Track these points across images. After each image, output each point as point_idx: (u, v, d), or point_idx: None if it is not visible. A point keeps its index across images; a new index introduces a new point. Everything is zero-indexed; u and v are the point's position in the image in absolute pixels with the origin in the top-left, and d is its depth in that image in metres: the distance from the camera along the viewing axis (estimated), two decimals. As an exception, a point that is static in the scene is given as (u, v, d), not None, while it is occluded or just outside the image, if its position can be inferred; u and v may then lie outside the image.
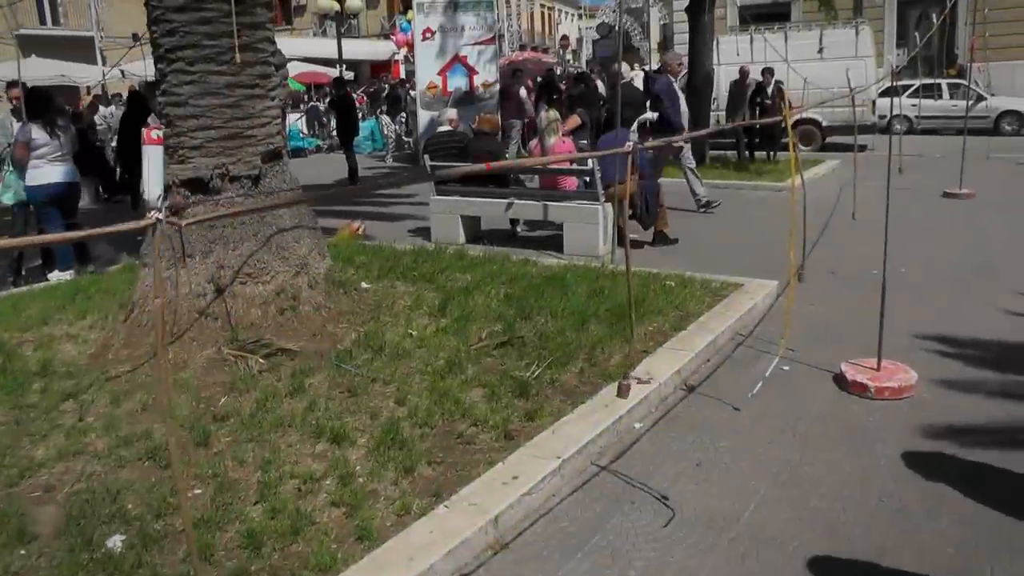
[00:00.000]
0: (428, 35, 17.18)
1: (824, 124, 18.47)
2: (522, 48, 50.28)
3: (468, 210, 9.40)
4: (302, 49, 30.14)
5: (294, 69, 31.51)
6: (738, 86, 16.41)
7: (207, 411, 4.42)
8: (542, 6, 59.77)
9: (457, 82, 17.08)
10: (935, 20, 24.30)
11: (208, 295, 5.21)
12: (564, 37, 47.22)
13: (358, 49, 34.12)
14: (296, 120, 23.51)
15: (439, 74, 17.26)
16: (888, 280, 5.15)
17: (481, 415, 4.34)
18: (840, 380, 5.12)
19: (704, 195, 11.13)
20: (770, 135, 15.84)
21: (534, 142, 9.10)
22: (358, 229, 9.53)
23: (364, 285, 6.36)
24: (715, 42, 19.12)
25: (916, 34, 25.87)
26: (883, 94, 22.60)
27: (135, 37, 37.01)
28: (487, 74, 17.28)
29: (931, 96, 21.92)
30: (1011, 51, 22.89)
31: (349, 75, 28.39)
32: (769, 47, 18.61)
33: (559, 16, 63.16)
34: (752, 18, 21.45)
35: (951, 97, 21.54)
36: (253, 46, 5.36)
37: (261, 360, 4.86)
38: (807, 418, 4.68)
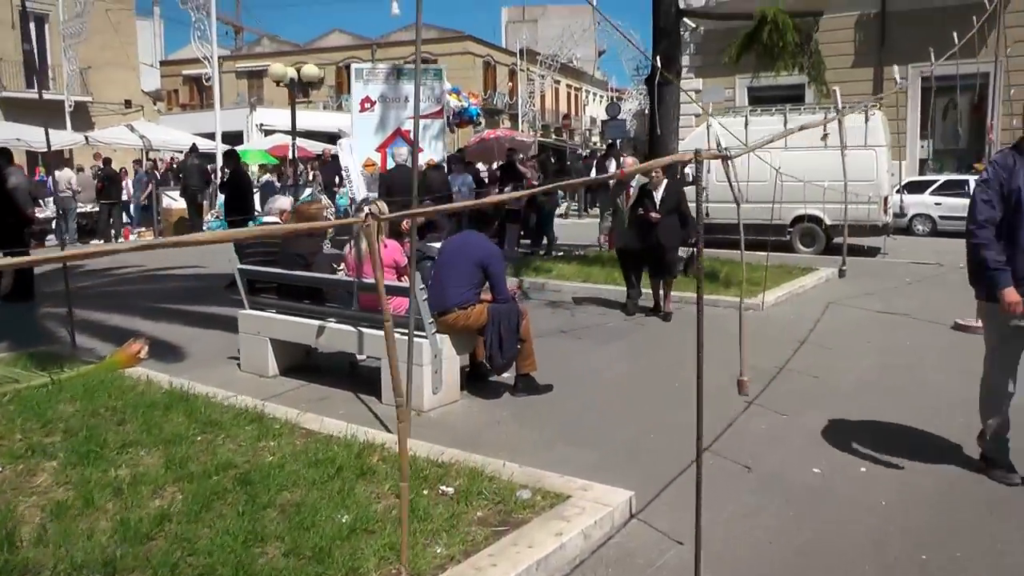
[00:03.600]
0: (367, 106, 15.02)
1: (828, 223, 15.81)
2: (544, 128, 48.73)
3: (279, 332, 6.91)
4: (306, 122, 28.57)
5: (270, 142, 29.93)
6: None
7: None
8: (568, 86, 58.44)
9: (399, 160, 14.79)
10: (960, 109, 21.84)
11: None
12: (565, 116, 45.44)
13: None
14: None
15: (378, 150, 15.03)
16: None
17: None
18: None
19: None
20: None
21: (348, 247, 6.65)
22: (139, 352, 7.04)
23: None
24: (706, 124, 16.85)
25: (942, 124, 23.36)
26: (903, 190, 20.22)
27: (127, 103, 36.27)
28: (433, 152, 15.01)
29: (957, 194, 19.30)
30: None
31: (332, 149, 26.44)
32: (768, 132, 16.23)
33: (586, 97, 61.82)
34: (763, 100, 19.18)
35: (980, 195, 18.80)
36: None
37: None
38: None
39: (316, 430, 5.16)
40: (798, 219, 15.88)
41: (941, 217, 19.66)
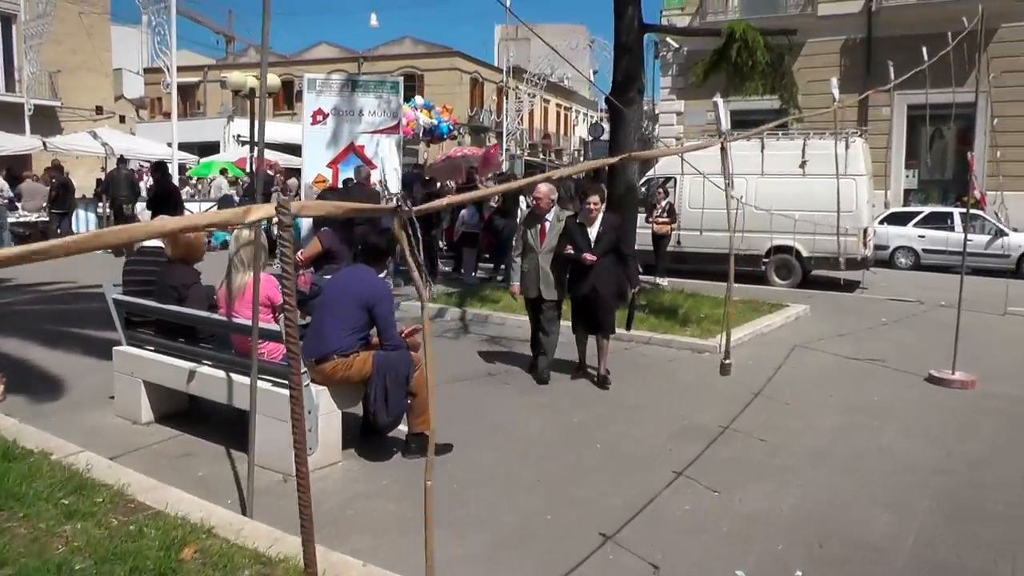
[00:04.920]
0: (319, 118, 14.16)
1: (804, 254, 15.00)
2: (532, 148, 48.00)
3: (153, 374, 6.04)
4: (286, 135, 27.53)
5: (237, 154, 29.03)
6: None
7: None
8: (558, 106, 57.76)
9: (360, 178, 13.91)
10: (947, 139, 21.17)
11: None
12: (545, 135, 44.72)
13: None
14: (208, 210, 20.58)
15: (330, 165, 14.17)
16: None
17: None
18: None
19: None
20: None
21: (220, 283, 5.78)
22: (-8, 390, 6.17)
23: None
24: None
25: (928, 153, 22.67)
26: (885, 221, 19.47)
27: (99, 109, 35.39)
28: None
29: (941, 227, 18.57)
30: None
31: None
32: (743, 156, 15.47)
33: (575, 117, 61.16)
34: (747, 124, 18.39)
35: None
36: None
37: None
38: None
39: (146, 504, 4.28)
40: (774, 249, 15.07)
41: (924, 250, 18.90)
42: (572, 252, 7.23)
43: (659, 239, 14.79)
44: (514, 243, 7.91)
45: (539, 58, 41.97)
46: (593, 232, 7.31)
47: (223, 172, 25.86)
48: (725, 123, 8.30)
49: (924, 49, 10.82)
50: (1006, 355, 9.55)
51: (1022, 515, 4.74)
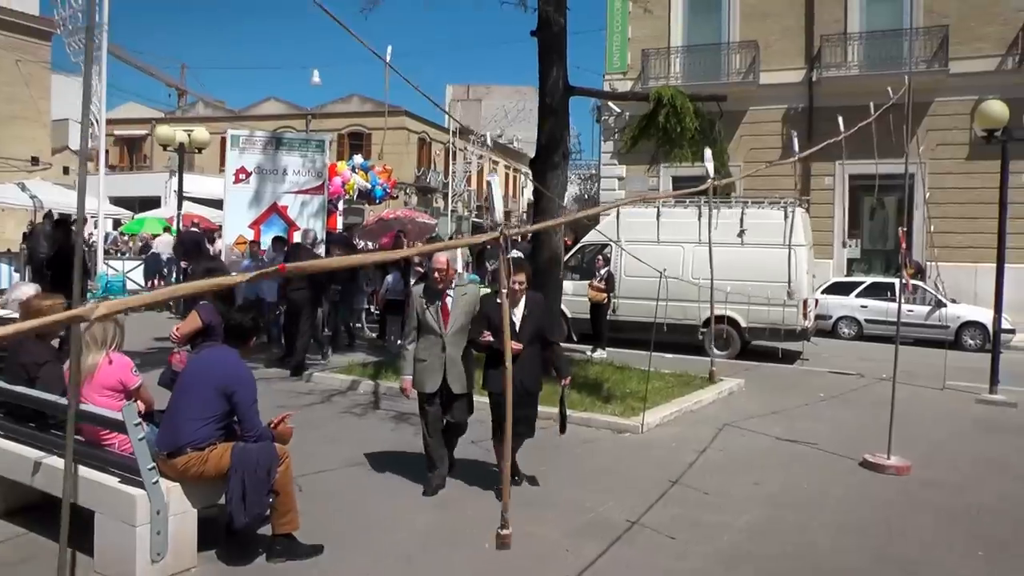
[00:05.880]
0: (242, 177, 13.56)
1: (743, 325, 14.62)
2: (479, 209, 47.72)
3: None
4: (219, 190, 26.69)
5: (170, 211, 28.19)
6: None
7: None
8: (507, 167, 57.87)
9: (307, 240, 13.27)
10: (888, 208, 21.22)
11: None
12: (485, 197, 44.40)
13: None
14: (133, 270, 19.74)
15: (251, 226, 13.55)
16: None
17: None
18: None
19: None
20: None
21: (66, 363, 5.12)
22: None
23: None
24: (616, 214, 15.75)
25: (870, 223, 22.70)
26: (828, 291, 19.30)
27: (34, 160, 34.40)
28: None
29: (883, 297, 18.42)
30: (972, 252, 19.57)
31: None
32: (681, 224, 15.17)
33: (524, 180, 61.29)
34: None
35: (906, 300, 17.95)
36: None
37: None
38: None
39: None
40: (711, 319, 14.61)
41: (867, 320, 18.71)
42: (492, 339, 6.04)
43: (596, 307, 14.32)
44: (405, 324, 6.64)
45: (488, 119, 41.97)
46: (517, 315, 6.19)
47: (166, 230, 25.10)
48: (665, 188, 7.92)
49: (840, 120, 10.62)
50: (943, 434, 9.15)
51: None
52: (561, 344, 6.72)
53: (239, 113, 47.59)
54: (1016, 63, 20.28)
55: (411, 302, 6.45)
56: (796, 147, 9.46)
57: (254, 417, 4.78)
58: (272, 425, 5.06)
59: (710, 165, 8.15)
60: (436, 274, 6.26)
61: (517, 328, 6.09)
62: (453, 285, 6.38)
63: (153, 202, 35.65)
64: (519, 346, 5.96)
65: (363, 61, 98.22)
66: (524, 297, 6.25)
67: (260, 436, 4.78)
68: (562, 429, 6.52)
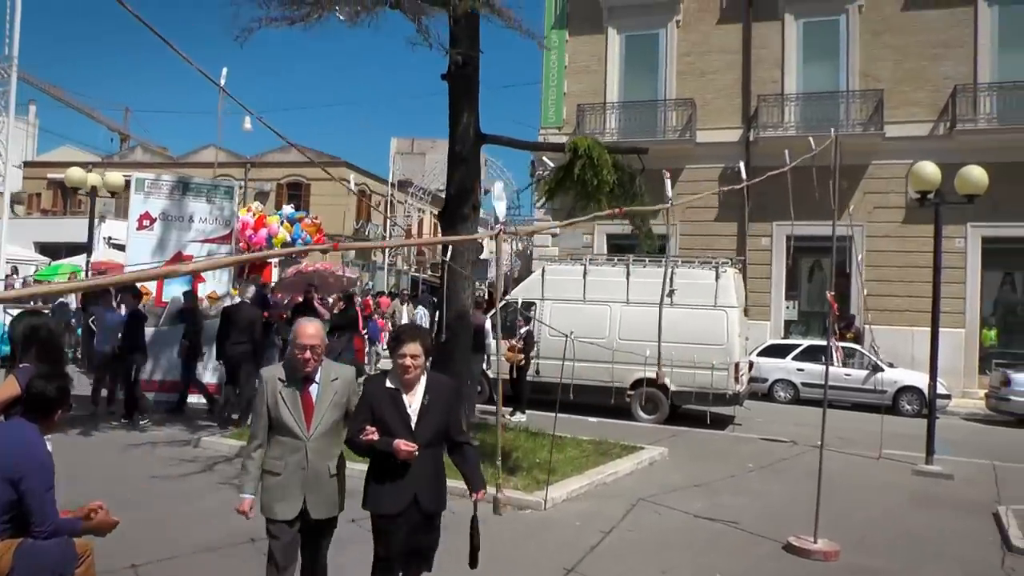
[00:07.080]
0: (146, 223, 12.70)
1: (672, 388, 13.97)
2: (420, 263, 46.98)
3: None
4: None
5: (107, 256, 26.97)
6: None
7: None
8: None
9: (176, 290, 12.39)
10: (826, 270, 20.97)
11: None
12: (420, 252, 43.84)
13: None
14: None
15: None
16: None
17: None
18: None
19: None
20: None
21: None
22: None
23: None
24: (540, 271, 15.18)
25: (808, 285, 22.44)
26: (764, 353, 18.89)
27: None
28: (216, 284, 12.74)
29: (820, 360, 18.02)
30: (909, 315, 19.33)
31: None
32: (608, 283, 14.61)
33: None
34: (624, 248, 17.69)
35: (843, 364, 17.61)
36: None
37: None
38: None
39: None
40: (639, 382, 13.96)
41: (804, 384, 18.30)
42: (376, 439, 4.15)
43: (518, 369, 13.60)
44: (252, 422, 4.55)
45: (429, 172, 41.55)
46: (413, 404, 4.31)
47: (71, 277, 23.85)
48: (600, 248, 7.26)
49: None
50: (877, 511, 8.56)
51: None
52: (472, 444, 4.69)
53: (178, 160, 46.49)
54: (947, 128, 20.34)
55: (260, 388, 4.46)
56: (744, 174, 8.98)
57: (45, 508, 3.92)
58: (83, 515, 4.21)
59: (668, 183, 7.62)
60: (302, 351, 4.32)
61: (412, 423, 4.24)
62: (319, 367, 4.42)
63: (81, 248, 34.29)
64: (412, 447, 4.12)
65: (306, 108, 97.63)
66: (423, 379, 4.36)
67: (53, 532, 3.92)
68: (472, 564, 4.47)
